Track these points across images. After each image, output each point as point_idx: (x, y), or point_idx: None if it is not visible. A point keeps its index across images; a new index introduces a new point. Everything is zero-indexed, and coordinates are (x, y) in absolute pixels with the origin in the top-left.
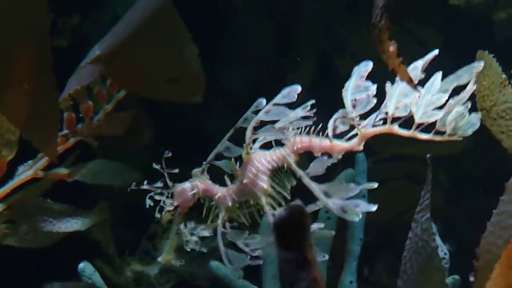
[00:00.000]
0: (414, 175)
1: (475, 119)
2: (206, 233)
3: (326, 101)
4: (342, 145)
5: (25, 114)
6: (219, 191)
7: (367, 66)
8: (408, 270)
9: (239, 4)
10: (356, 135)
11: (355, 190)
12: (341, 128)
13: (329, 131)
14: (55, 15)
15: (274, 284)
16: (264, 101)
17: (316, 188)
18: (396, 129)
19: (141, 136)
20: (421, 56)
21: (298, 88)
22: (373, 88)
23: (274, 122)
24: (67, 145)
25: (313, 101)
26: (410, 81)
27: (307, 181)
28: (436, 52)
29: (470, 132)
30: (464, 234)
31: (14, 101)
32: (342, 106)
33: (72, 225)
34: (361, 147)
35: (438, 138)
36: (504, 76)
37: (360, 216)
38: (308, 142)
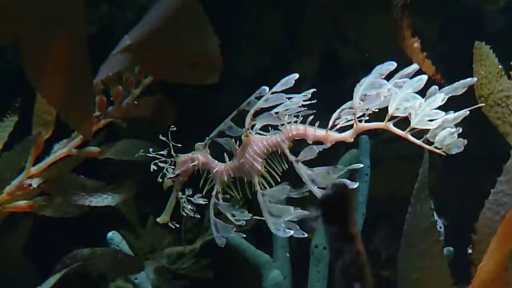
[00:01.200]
0: (410, 155)
1: (461, 143)
2: (201, 201)
3: (329, 90)
4: (335, 135)
5: (62, 96)
6: (217, 166)
7: (390, 66)
8: (409, 241)
9: None
10: (351, 126)
11: (340, 171)
12: (344, 119)
13: (332, 119)
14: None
15: (284, 253)
16: (266, 88)
17: (304, 174)
18: (391, 127)
19: (166, 118)
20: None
21: (295, 76)
22: (386, 87)
23: (273, 108)
24: (98, 125)
25: (313, 90)
26: (435, 74)
27: (297, 166)
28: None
29: (453, 152)
30: (456, 210)
31: (52, 84)
32: (344, 96)
33: (103, 200)
34: (352, 139)
35: (425, 146)
36: (500, 66)
37: None
38: (303, 130)
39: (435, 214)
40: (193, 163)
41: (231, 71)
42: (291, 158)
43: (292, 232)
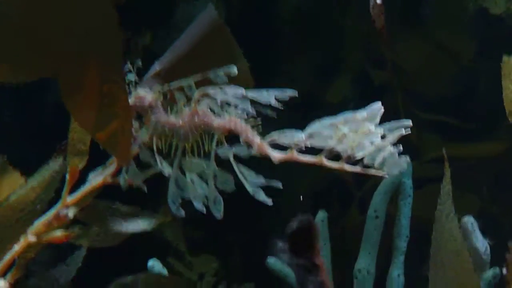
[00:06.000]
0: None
1: (404, 162)
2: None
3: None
4: (267, 149)
5: (100, 124)
6: (160, 114)
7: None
8: (437, 264)
9: (288, 17)
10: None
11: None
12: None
13: (282, 138)
14: (128, 35)
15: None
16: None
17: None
18: (325, 162)
19: None
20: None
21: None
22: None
23: None
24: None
25: (294, 92)
26: (382, 29)
27: (211, 156)
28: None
29: (395, 172)
30: (504, 231)
31: (92, 116)
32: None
33: (139, 225)
34: (278, 161)
35: (366, 171)
36: None
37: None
38: (241, 127)
39: (479, 234)
40: (139, 101)
41: None
42: (213, 146)
43: (183, 212)
